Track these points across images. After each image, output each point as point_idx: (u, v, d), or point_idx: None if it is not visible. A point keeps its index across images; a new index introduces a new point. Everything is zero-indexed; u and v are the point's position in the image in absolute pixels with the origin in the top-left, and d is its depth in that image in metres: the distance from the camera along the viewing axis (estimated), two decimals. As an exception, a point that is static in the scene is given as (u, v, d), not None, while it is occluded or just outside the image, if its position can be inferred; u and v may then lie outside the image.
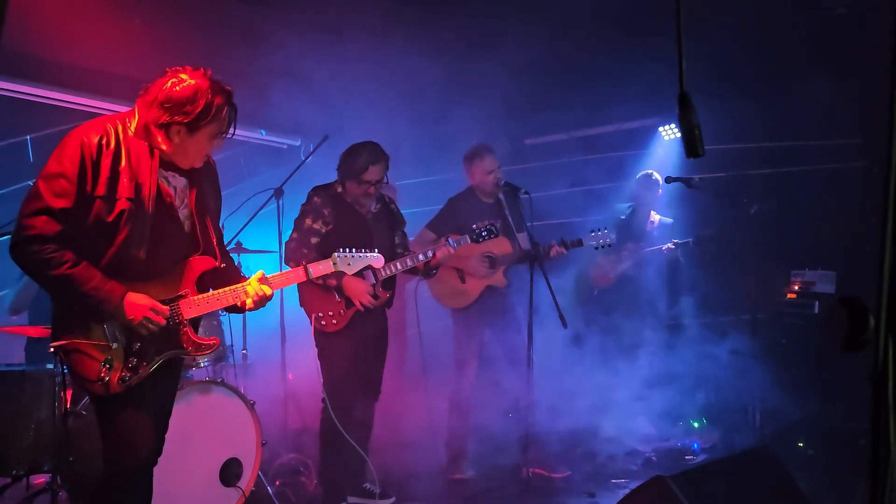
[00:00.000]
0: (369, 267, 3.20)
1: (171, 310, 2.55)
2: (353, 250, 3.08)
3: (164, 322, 2.49)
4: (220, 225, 2.90)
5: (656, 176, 5.57)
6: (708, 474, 2.77)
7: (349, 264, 3.07)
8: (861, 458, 4.30)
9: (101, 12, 4.43)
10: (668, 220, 5.71)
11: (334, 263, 3.02)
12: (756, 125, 5.64)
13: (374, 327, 4.07)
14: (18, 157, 5.13)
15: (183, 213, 2.62)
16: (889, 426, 0.91)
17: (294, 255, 3.90)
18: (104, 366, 2.41)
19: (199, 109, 2.40)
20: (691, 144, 1.25)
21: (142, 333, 2.46)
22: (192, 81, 2.42)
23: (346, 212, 3.97)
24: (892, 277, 0.98)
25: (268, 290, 2.70)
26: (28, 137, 5.19)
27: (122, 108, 5.37)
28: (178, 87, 2.41)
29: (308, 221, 3.93)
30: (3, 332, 4.07)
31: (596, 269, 5.44)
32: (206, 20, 4.71)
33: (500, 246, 4.60)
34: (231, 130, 2.56)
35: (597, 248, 4.72)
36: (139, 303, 2.43)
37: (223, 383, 3.83)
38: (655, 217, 5.64)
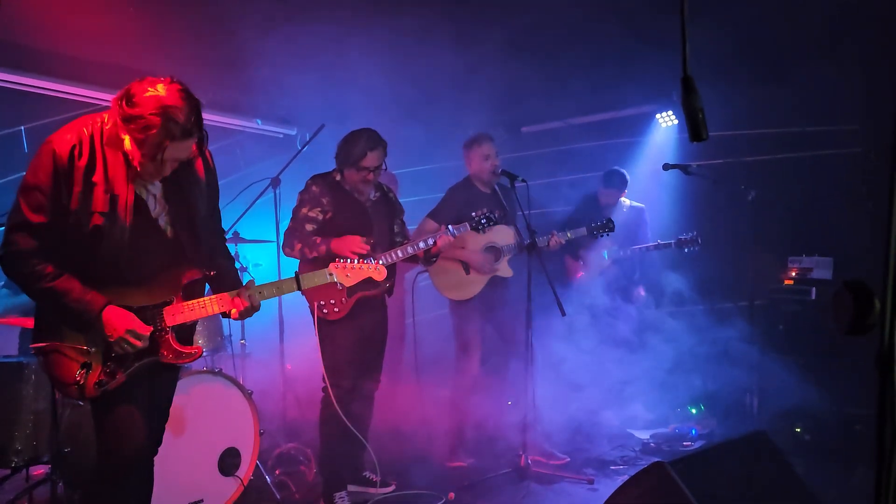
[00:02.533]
0: (370, 279, 3.09)
1: (153, 317, 2.53)
2: (355, 260, 3.02)
3: (142, 345, 2.45)
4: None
5: (623, 171, 5.55)
6: (706, 460, 2.77)
7: (347, 276, 2.97)
8: (858, 443, 4.33)
9: (94, 1, 4.39)
10: (640, 205, 5.70)
11: (329, 275, 2.94)
12: (753, 112, 5.63)
13: (375, 315, 4.07)
14: (13, 147, 5.11)
15: (163, 220, 2.56)
16: (895, 409, 0.91)
17: (289, 241, 3.91)
18: (81, 369, 2.40)
19: (132, 113, 2.25)
20: (695, 128, 1.24)
21: (117, 351, 2.44)
22: (157, 93, 2.26)
23: (344, 200, 3.96)
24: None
25: (255, 301, 2.67)
26: (22, 128, 5.16)
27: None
28: (139, 88, 2.28)
29: (304, 210, 3.92)
30: (2, 323, 4.06)
31: (576, 264, 5.43)
32: (201, 9, 4.67)
33: (503, 235, 4.60)
34: (162, 156, 2.31)
35: (596, 237, 4.76)
36: (120, 321, 2.40)
37: (221, 373, 3.83)
38: (626, 202, 5.63)
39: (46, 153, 2.32)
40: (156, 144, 2.29)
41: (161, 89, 2.28)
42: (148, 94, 2.26)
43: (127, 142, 2.33)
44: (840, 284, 1.06)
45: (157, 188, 2.53)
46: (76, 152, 2.33)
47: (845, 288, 1.04)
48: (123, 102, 2.29)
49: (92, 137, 2.37)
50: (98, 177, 2.36)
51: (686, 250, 5.11)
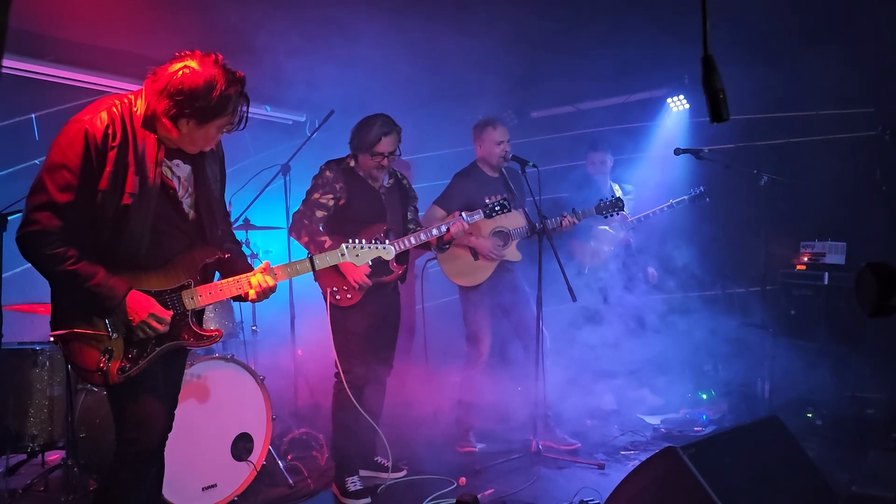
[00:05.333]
0: (379, 259, 3.13)
1: (173, 300, 2.52)
2: (363, 241, 3.04)
3: (163, 330, 2.45)
4: (228, 202, 2.88)
5: (602, 152, 5.54)
6: (718, 445, 2.76)
7: (357, 255, 2.99)
8: (870, 427, 4.32)
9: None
10: (629, 187, 5.67)
11: (342, 254, 2.95)
12: (766, 94, 5.57)
13: (388, 301, 4.08)
14: (24, 135, 5.12)
15: (187, 203, 2.57)
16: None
17: (297, 226, 3.89)
18: (103, 356, 2.39)
19: (213, 103, 2.33)
20: (716, 109, 1.22)
21: (138, 335, 2.43)
22: (203, 71, 2.32)
23: (358, 186, 3.96)
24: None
25: (271, 282, 2.67)
26: (33, 116, 5.17)
27: (126, 85, 5.37)
28: (189, 78, 2.31)
29: (316, 195, 3.91)
30: (16, 310, 4.08)
31: (586, 248, 5.40)
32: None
33: (512, 220, 4.59)
34: (243, 123, 2.49)
35: (606, 217, 4.75)
36: (141, 305, 2.39)
37: (233, 359, 3.84)
38: (616, 187, 5.61)
39: (78, 132, 2.29)
40: (232, 112, 2.41)
41: (199, 66, 2.34)
42: (195, 73, 2.32)
43: (182, 126, 2.38)
44: (863, 266, 1.05)
45: (182, 170, 2.55)
46: (110, 131, 2.33)
47: (868, 269, 1.03)
48: (181, 89, 2.31)
49: (123, 118, 2.37)
50: (130, 158, 2.36)
51: (698, 202, 5.18)
